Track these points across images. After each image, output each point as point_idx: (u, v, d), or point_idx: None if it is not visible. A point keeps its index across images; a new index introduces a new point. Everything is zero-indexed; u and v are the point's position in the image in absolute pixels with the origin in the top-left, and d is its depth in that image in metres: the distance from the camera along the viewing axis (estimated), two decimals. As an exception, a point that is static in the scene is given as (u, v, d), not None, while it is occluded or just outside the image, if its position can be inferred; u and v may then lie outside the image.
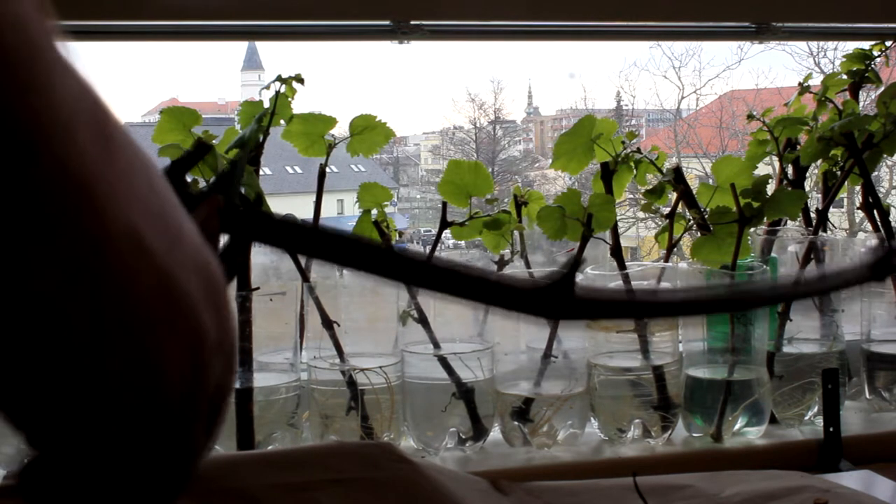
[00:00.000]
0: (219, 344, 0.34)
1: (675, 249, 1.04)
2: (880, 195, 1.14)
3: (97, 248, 0.29)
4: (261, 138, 0.95)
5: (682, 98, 8.25)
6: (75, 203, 0.29)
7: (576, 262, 0.40)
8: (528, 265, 1.05)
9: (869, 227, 1.15)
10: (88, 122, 0.29)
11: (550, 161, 1.06)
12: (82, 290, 0.29)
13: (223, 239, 0.40)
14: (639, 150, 1.04)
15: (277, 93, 0.96)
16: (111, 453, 0.32)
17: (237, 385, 0.93)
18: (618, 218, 1.01)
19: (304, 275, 0.97)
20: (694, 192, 1.05)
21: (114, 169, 0.30)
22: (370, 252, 0.39)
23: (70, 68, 0.30)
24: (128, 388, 0.30)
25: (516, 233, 1.04)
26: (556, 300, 0.41)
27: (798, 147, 1.11)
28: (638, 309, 0.45)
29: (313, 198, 1.00)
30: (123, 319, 0.30)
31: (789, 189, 1.09)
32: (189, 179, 0.43)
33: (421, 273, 0.40)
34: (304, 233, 0.39)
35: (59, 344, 0.29)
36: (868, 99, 1.45)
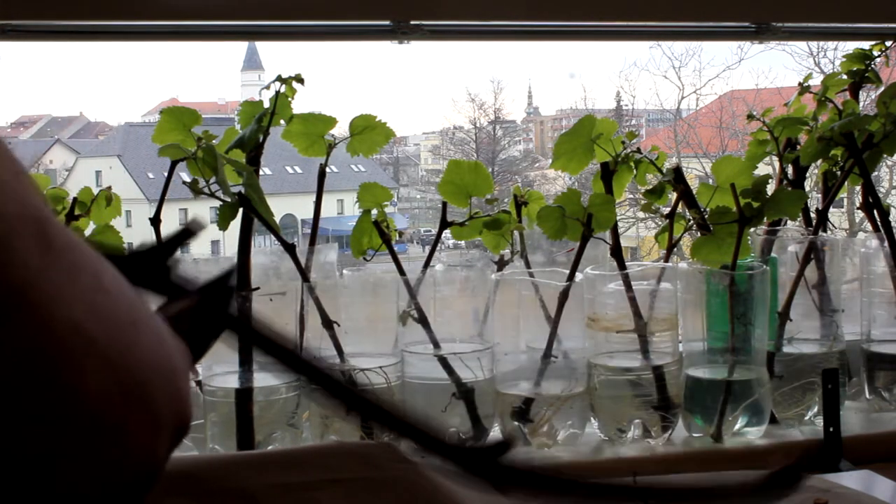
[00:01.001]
0: (176, 429, 0.35)
1: (675, 249, 1.04)
2: (880, 195, 1.14)
3: (41, 345, 0.30)
4: (261, 138, 0.95)
5: (682, 98, 8.26)
6: (15, 304, 0.29)
7: (507, 443, 0.45)
8: (528, 265, 1.05)
9: (869, 227, 1.15)
10: (28, 230, 0.30)
11: (550, 161, 1.06)
12: (29, 387, 0.30)
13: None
14: (639, 150, 1.04)
15: (277, 93, 0.96)
16: None
17: (237, 385, 0.93)
18: (618, 218, 1.01)
19: (304, 275, 0.97)
20: (694, 192, 1.05)
21: (55, 272, 0.31)
22: (326, 381, 0.44)
23: (11, 180, 0.31)
24: (87, 484, 0.31)
25: (516, 233, 1.04)
26: (489, 465, 0.44)
27: (798, 147, 1.11)
28: (571, 488, 0.47)
29: (313, 198, 1.00)
30: (77, 414, 0.31)
31: (789, 189, 1.09)
32: (177, 257, 0.46)
33: (371, 411, 0.45)
34: (280, 352, 0.43)
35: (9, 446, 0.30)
36: (868, 99, 1.45)
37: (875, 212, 1.12)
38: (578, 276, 0.99)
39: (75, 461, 0.31)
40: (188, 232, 0.47)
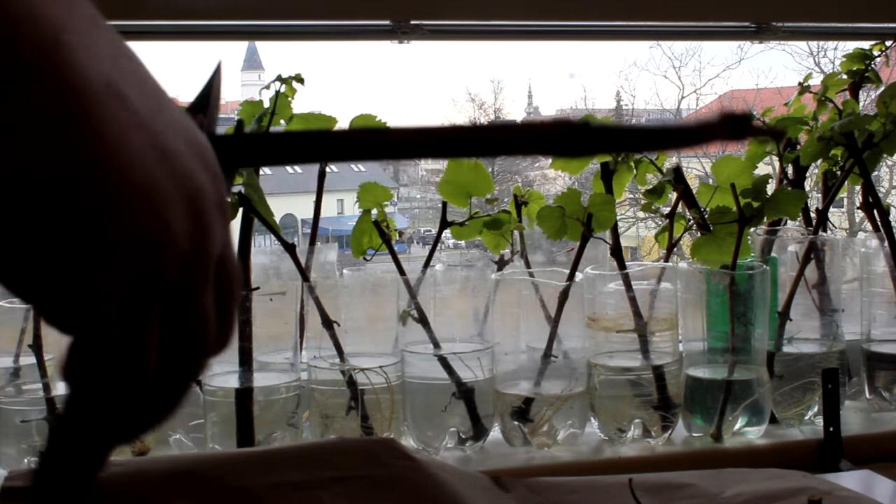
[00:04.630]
0: (218, 205, 0.32)
1: (675, 249, 1.04)
2: (880, 195, 1.14)
3: (76, 100, 0.27)
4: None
5: (682, 98, 8.25)
6: (44, 52, 0.26)
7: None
8: (528, 265, 1.05)
9: (869, 227, 1.15)
10: None
11: (550, 161, 1.06)
12: (65, 147, 0.27)
13: None
14: (639, 150, 1.04)
15: (277, 92, 0.96)
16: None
17: (237, 385, 0.93)
18: (618, 218, 1.01)
19: (304, 275, 0.97)
20: (694, 191, 1.05)
21: (79, 22, 0.28)
22: (360, 137, 0.37)
23: None
24: (134, 250, 0.28)
25: (516, 233, 1.04)
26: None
27: (798, 147, 1.11)
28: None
29: (313, 198, 1.00)
30: (116, 180, 0.28)
31: (789, 189, 1.09)
32: None
33: (408, 143, 0.36)
34: (282, 141, 0.37)
35: (49, 206, 0.27)
36: (868, 99, 1.45)
37: (875, 212, 1.12)
38: (578, 275, 0.99)
39: (123, 224, 0.28)
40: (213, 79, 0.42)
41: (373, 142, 0.37)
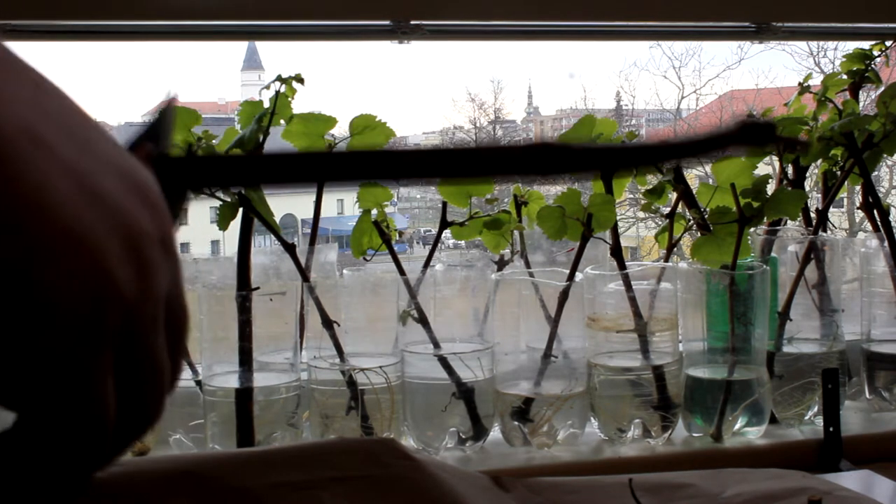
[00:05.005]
0: (160, 241, 0.30)
1: (675, 249, 1.04)
2: (880, 195, 1.14)
3: None
4: (261, 138, 0.95)
5: (682, 98, 8.25)
6: None
7: None
8: (528, 265, 1.05)
9: (869, 227, 1.15)
10: None
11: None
12: None
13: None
14: (639, 150, 1.04)
15: (277, 93, 0.96)
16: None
17: (237, 385, 0.93)
18: (618, 218, 1.01)
19: (304, 275, 0.97)
20: (694, 191, 1.05)
21: None
22: (316, 160, 0.36)
23: None
24: (72, 305, 0.26)
25: (516, 233, 1.04)
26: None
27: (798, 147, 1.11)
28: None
29: (313, 198, 1.00)
30: (42, 230, 0.26)
31: (789, 189, 1.09)
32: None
33: (383, 164, 0.36)
34: (240, 163, 0.36)
35: None
36: (868, 99, 1.45)
37: (875, 212, 1.12)
38: (578, 276, 0.99)
39: (46, 271, 0.26)
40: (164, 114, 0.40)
41: (321, 161, 0.36)
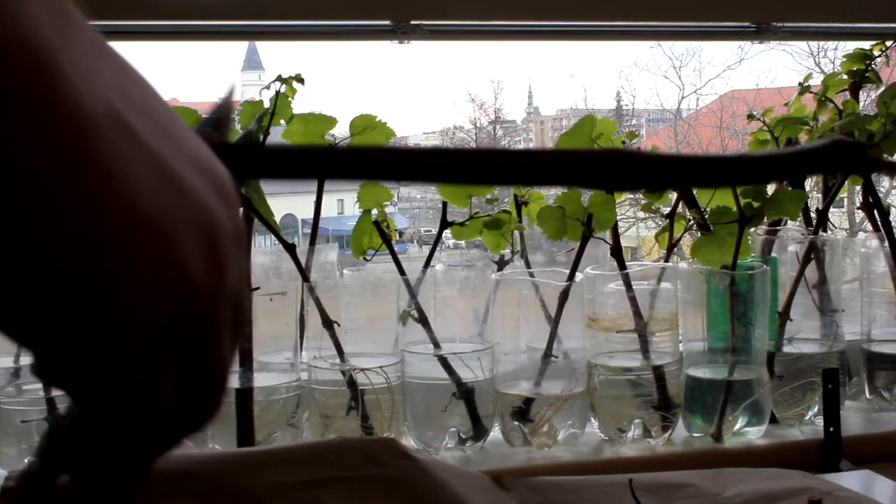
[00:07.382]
0: (234, 235, 0.29)
1: (676, 249, 1.04)
2: (880, 195, 1.14)
3: (73, 132, 0.24)
4: (261, 138, 0.95)
5: (683, 98, 8.25)
6: (38, 79, 0.23)
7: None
8: (528, 265, 1.05)
9: (869, 227, 1.15)
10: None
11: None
12: (62, 179, 0.24)
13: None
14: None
15: (277, 93, 0.96)
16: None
17: (237, 385, 0.93)
18: (618, 218, 1.01)
19: (305, 275, 0.97)
20: (694, 191, 1.04)
21: (77, 45, 0.25)
22: (374, 156, 0.35)
23: None
24: (146, 294, 0.26)
25: (516, 233, 1.04)
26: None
27: (798, 147, 1.11)
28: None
29: (313, 198, 1.00)
30: (122, 215, 0.25)
31: (789, 189, 1.09)
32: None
33: (438, 164, 0.34)
34: (302, 156, 0.36)
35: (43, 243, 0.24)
36: (868, 99, 1.45)
37: (875, 212, 1.12)
38: (578, 276, 0.99)
39: (116, 275, 0.25)
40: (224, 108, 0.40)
41: (386, 160, 0.35)
